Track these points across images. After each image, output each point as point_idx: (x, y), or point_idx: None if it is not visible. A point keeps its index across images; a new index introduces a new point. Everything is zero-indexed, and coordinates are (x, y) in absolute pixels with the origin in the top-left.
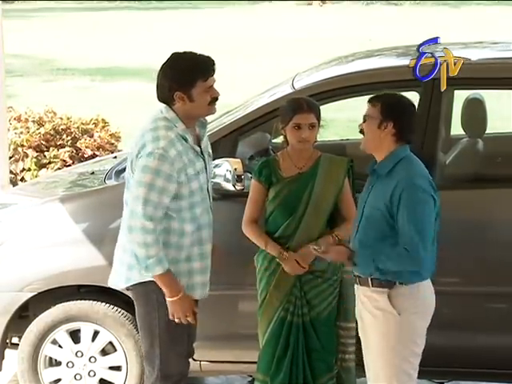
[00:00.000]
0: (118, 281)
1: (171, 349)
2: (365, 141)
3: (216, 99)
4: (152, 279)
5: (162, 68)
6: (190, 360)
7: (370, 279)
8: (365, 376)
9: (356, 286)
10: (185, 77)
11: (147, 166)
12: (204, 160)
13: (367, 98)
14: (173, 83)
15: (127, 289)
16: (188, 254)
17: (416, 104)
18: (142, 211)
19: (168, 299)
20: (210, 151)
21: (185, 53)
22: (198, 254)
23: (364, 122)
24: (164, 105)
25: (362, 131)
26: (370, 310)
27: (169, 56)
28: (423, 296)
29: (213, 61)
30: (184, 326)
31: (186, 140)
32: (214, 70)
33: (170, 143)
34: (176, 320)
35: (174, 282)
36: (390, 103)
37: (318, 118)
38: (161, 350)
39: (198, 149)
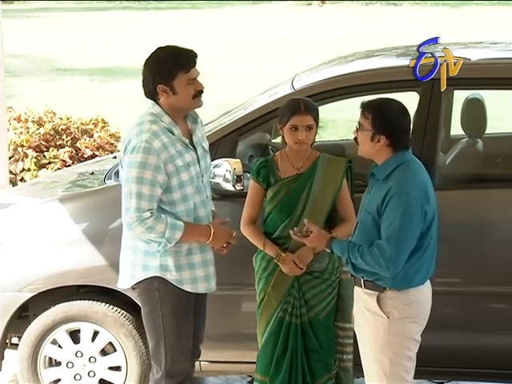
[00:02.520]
0: (125, 281)
1: (176, 346)
2: (360, 150)
3: (200, 92)
4: (154, 275)
5: (145, 63)
6: None
7: (362, 280)
8: (362, 376)
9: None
10: (165, 68)
11: (133, 160)
12: (196, 153)
13: (367, 98)
14: (155, 76)
15: (133, 288)
16: (188, 247)
17: (416, 104)
18: (136, 205)
19: (206, 243)
20: (206, 146)
21: (167, 46)
22: (198, 247)
23: (357, 130)
24: (151, 101)
25: (355, 139)
26: (362, 310)
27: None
28: (415, 301)
29: (195, 53)
30: (189, 323)
31: (172, 133)
32: (195, 62)
33: (153, 135)
34: (225, 251)
35: (197, 230)
36: (380, 116)
37: (316, 119)
38: (166, 348)
39: (186, 140)
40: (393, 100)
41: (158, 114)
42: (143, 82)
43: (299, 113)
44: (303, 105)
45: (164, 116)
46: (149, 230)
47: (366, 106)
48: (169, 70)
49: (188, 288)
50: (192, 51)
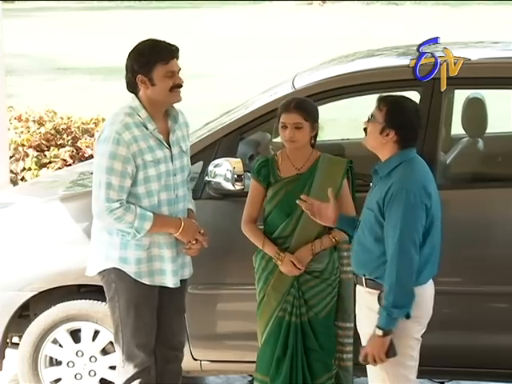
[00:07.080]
0: (91, 268)
1: (131, 339)
2: (366, 140)
3: (179, 86)
4: (113, 266)
5: (127, 54)
6: (190, 359)
7: (364, 279)
8: (362, 376)
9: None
10: (144, 58)
11: (104, 151)
12: (171, 152)
13: (367, 97)
14: (134, 66)
15: (99, 276)
16: (150, 242)
17: None
18: (106, 195)
19: (175, 235)
20: (185, 147)
21: (148, 39)
22: (158, 243)
23: (368, 120)
24: (132, 95)
25: (365, 130)
26: (365, 310)
27: None
28: (416, 301)
29: (175, 47)
30: (145, 317)
31: (146, 127)
32: (175, 56)
33: (124, 127)
34: (192, 247)
35: (166, 222)
36: (395, 111)
37: (307, 118)
38: (123, 339)
39: (160, 136)
40: (409, 99)
41: (136, 107)
42: (125, 75)
43: (287, 111)
44: (293, 103)
45: (141, 110)
46: (117, 220)
47: (382, 99)
48: (147, 59)
49: (146, 281)
50: (173, 45)
